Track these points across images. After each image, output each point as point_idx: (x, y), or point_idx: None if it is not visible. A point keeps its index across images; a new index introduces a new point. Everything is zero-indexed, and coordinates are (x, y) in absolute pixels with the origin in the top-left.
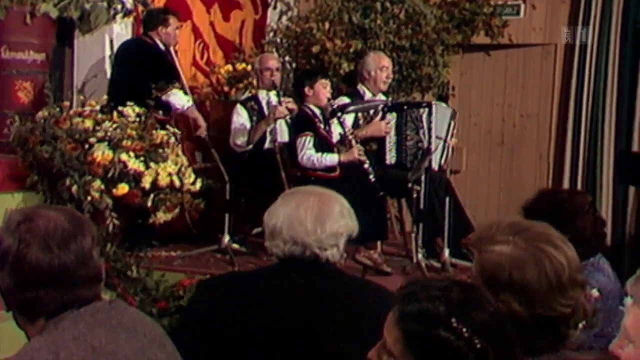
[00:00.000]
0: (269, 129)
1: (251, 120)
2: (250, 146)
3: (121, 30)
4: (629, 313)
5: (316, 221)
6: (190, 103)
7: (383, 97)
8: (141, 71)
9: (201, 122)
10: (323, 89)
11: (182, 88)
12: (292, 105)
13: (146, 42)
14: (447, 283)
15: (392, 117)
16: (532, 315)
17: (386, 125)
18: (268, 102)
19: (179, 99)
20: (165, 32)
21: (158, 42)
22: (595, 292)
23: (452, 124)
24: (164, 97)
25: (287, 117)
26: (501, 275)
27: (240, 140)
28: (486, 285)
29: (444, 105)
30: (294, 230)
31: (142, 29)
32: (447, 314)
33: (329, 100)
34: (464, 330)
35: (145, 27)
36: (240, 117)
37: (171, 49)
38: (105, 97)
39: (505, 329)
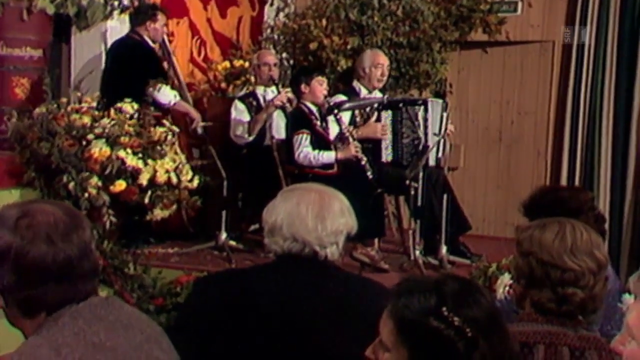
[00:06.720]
0: (267, 123)
1: (250, 115)
2: (251, 137)
3: (118, 27)
4: (631, 310)
5: (317, 218)
6: (178, 98)
7: (379, 95)
8: (131, 68)
9: (193, 114)
10: (319, 86)
11: (170, 83)
12: (291, 95)
13: (135, 39)
14: (440, 277)
15: (387, 115)
16: (540, 260)
17: (382, 128)
18: (265, 98)
19: (165, 95)
20: (154, 28)
21: (146, 38)
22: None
23: (445, 116)
24: (151, 94)
25: (287, 107)
26: (526, 232)
27: (240, 130)
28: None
29: (435, 100)
30: (294, 227)
31: (130, 25)
32: (438, 304)
33: (325, 97)
34: (455, 319)
35: (133, 23)
36: (239, 111)
37: (168, 45)
38: (97, 93)
39: (499, 321)
